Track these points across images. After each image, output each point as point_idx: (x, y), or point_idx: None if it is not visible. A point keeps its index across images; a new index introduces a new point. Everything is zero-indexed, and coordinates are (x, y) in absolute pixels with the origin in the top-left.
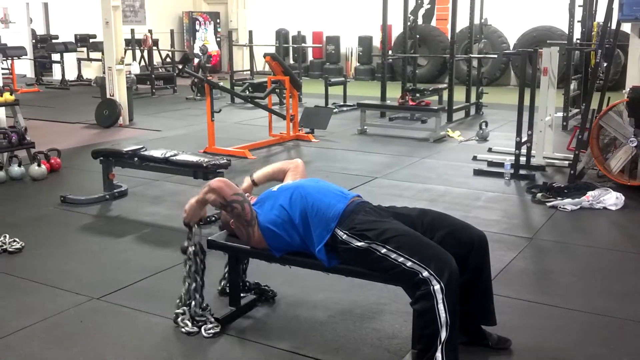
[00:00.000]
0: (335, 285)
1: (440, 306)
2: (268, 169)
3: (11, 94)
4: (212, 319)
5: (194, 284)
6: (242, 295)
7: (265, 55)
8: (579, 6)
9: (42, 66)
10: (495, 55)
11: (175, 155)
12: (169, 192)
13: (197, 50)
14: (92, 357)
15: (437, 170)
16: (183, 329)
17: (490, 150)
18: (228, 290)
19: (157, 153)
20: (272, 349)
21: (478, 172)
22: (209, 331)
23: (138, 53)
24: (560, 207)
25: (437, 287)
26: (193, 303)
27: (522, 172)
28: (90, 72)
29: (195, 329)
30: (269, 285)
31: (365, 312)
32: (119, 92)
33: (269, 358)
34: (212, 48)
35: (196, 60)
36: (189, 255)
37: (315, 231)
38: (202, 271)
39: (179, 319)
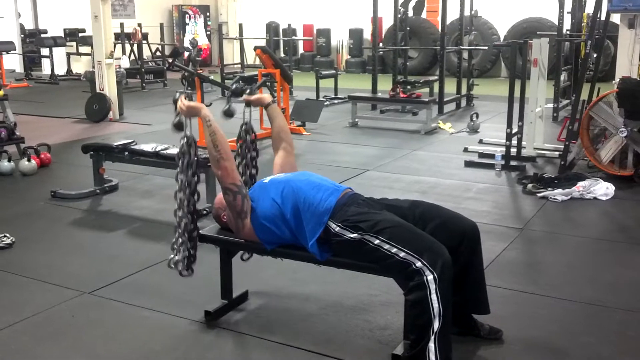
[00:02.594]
0: (326, 277)
1: (434, 296)
2: (280, 120)
3: (0, 89)
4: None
5: (185, 181)
6: None
7: (255, 48)
8: None
9: (31, 61)
10: (486, 47)
11: (165, 149)
12: (160, 186)
13: (187, 44)
14: (83, 351)
15: (428, 162)
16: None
17: (481, 141)
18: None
19: (147, 147)
20: (264, 341)
21: (469, 164)
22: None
23: (128, 47)
24: (550, 198)
25: (430, 277)
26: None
27: (512, 163)
28: (80, 66)
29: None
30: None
31: (357, 303)
32: (108, 87)
33: (260, 350)
34: (202, 41)
35: (186, 54)
36: (182, 150)
37: (308, 226)
38: (195, 164)
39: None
